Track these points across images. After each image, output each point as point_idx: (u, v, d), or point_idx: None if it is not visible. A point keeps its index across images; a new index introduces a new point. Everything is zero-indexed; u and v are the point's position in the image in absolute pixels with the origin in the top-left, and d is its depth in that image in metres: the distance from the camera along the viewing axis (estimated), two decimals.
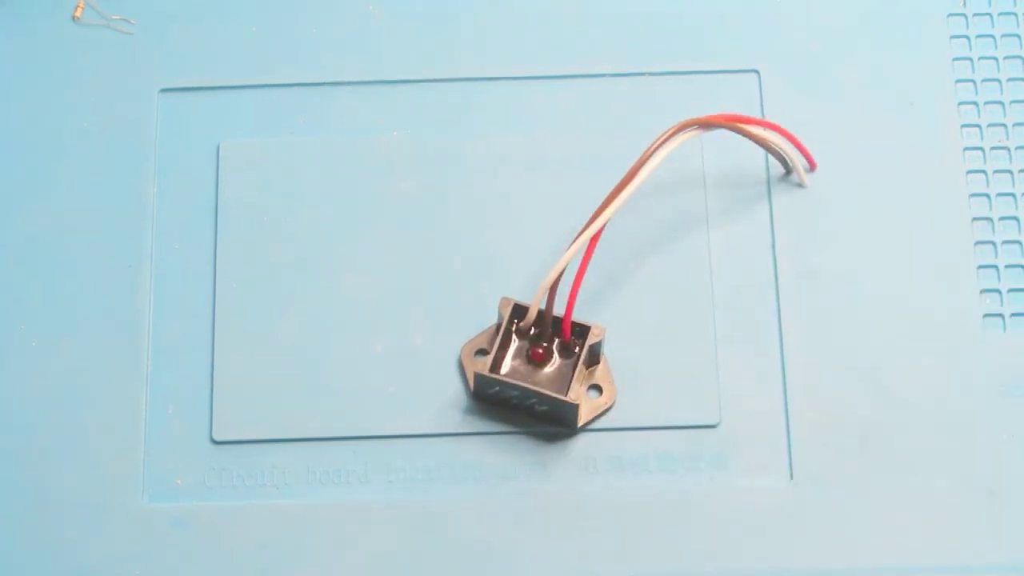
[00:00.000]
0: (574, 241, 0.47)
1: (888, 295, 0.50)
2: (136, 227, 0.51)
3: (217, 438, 0.49)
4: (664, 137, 0.48)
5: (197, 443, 0.49)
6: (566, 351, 0.49)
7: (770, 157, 0.51)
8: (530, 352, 0.49)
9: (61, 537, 0.48)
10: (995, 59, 0.53)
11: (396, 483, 0.49)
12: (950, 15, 0.54)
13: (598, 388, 0.49)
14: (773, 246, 0.51)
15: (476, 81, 0.53)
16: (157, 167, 0.52)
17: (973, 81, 0.53)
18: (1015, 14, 0.54)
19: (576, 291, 0.48)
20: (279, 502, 0.49)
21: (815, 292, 0.50)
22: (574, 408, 0.48)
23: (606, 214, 0.47)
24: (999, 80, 0.53)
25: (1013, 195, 0.52)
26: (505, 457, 0.49)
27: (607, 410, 0.49)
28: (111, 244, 0.51)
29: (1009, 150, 0.52)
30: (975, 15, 0.54)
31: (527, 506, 0.49)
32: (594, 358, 0.49)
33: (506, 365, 0.49)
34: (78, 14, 0.53)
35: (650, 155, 0.48)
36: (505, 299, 0.49)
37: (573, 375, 0.48)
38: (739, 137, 0.50)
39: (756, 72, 0.53)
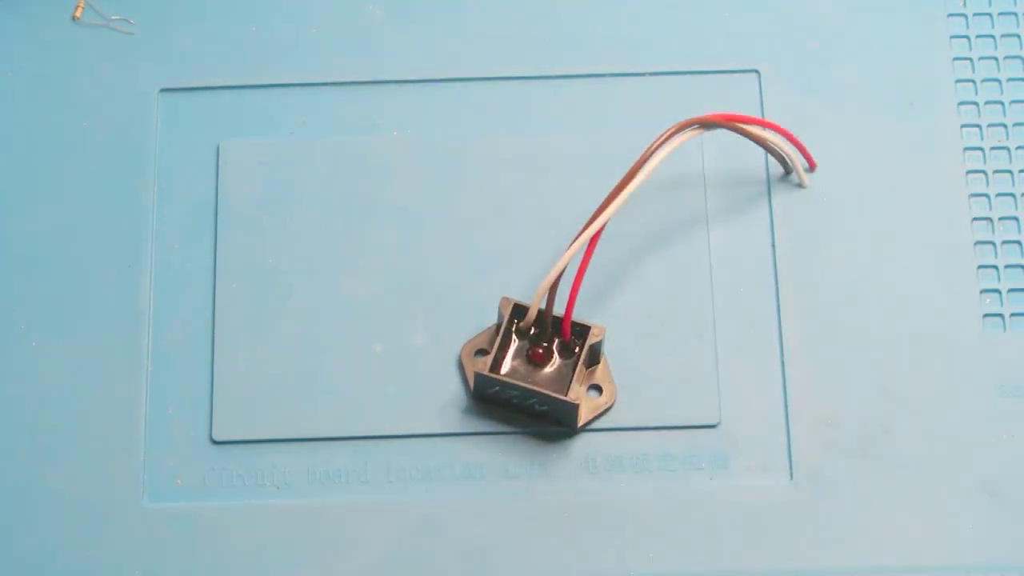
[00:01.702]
0: (574, 241, 0.47)
1: (888, 295, 0.50)
2: (136, 227, 0.51)
3: (217, 438, 0.49)
4: (664, 137, 0.48)
5: (197, 443, 0.49)
6: (566, 351, 0.49)
7: (770, 157, 0.51)
8: (530, 352, 0.49)
9: (61, 537, 0.48)
10: (995, 59, 0.53)
11: (396, 483, 0.49)
12: (950, 15, 0.54)
13: (598, 388, 0.49)
14: (773, 246, 0.51)
15: (476, 81, 0.53)
16: (157, 167, 0.52)
17: (973, 81, 0.53)
18: (1015, 14, 0.54)
19: (576, 291, 0.48)
20: (279, 502, 0.49)
21: (815, 292, 0.50)
22: (574, 408, 0.48)
23: (606, 214, 0.47)
24: (999, 80, 0.53)
25: (1013, 195, 0.52)
26: (505, 457, 0.49)
27: (607, 410, 0.49)
28: (111, 244, 0.51)
29: (1009, 150, 0.52)
30: (975, 15, 0.54)
31: (527, 506, 0.49)
32: (594, 358, 0.49)
33: (506, 365, 0.49)
34: (78, 14, 0.53)
35: (650, 155, 0.48)
36: (505, 299, 0.49)
37: (573, 375, 0.48)
38: (739, 137, 0.50)
39: (756, 72, 0.53)
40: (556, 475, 0.49)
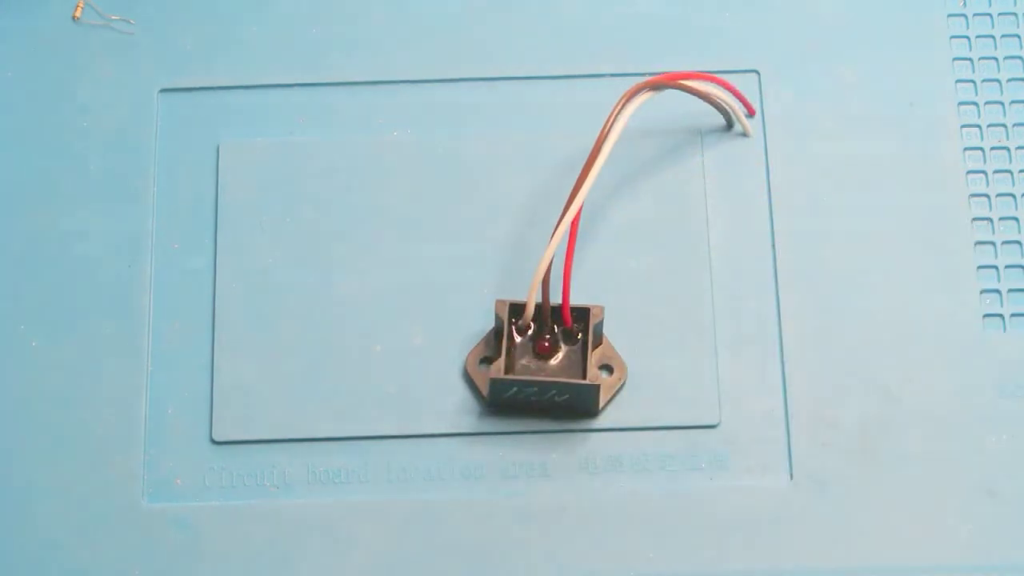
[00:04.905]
0: (555, 229, 0.47)
1: (888, 295, 0.50)
2: (136, 227, 0.51)
3: (217, 438, 0.49)
4: (617, 108, 0.48)
5: (197, 443, 0.49)
6: (568, 338, 0.49)
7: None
8: (536, 346, 0.49)
9: (61, 537, 0.48)
10: (995, 59, 0.53)
11: (396, 483, 0.49)
12: (950, 15, 0.54)
13: (607, 368, 0.49)
14: (773, 246, 0.51)
15: (476, 81, 0.53)
16: (157, 167, 0.52)
17: (973, 81, 0.53)
18: (1015, 14, 0.54)
19: (568, 277, 0.48)
20: (279, 502, 0.49)
21: (815, 292, 0.50)
22: (595, 390, 0.48)
23: (579, 197, 0.47)
24: (999, 80, 0.53)
25: (1013, 195, 0.52)
26: (505, 457, 0.49)
27: (621, 387, 0.49)
28: (111, 244, 0.51)
29: (1009, 150, 0.52)
30: (975, 15, 0.54)
31: (527, 506, 0.49)
32: (597, 339, 0.49)
33: (517, 365, 0.49)
34: (78, 14, 0.53)
35: (608, 129, 0.48)
36: (500, 301, 0.49)
37: (585, 358, 0.48)
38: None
39: (756, 72, 0.53)
40: (556, 475, 0.49)
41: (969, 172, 0.52)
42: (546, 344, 0.49)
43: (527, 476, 0.49)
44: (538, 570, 0.48)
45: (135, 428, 0.49)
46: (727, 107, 0.51)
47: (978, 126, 0.52)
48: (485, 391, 0.49)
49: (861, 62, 0.53)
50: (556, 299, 0.48)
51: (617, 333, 0.50)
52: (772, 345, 0.50)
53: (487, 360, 0.49)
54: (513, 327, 0.49)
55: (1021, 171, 0.52)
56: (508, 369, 0.48)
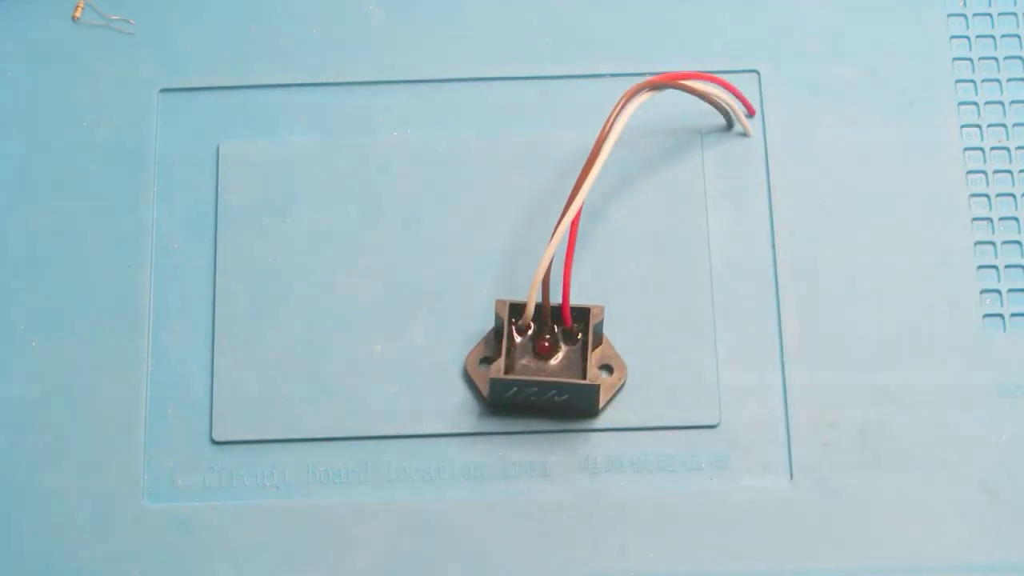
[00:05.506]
0: (556, 228, 0.47)
1: (888, 295, 0.50)
2: (136, 227, 0.51)
3: (217, 438, 0.49)
4: (618, 108, 0.48)
5: (197, 443, 0.49)
6: (568, 338, 0.49)
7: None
8: (536, 346, 0.49)
9: (61, 537, 0.48)
10: (995, 59, 0.53)
11: (396, 483, 0.49)
12: (950, 15, 0.54)
13: (607, 368, 0.49)
14: (773, 246, 0.51)
15: (476, 81, 0.53)
16: (157, 167, 0.52)
17: (973, 81, 0.53)
18: (1015, 14, 0.54)
19: (568, 277, 0.48)
20: (279, 502, 0.49)
21: (815, 292, 0.50)
22: (595, 390, 0.48)
23: (580, 196, 0.47)
24: (999, 80, 0.53)
25: (1013, 195, 0.52)
26: (505, 457, 0.49)
27: (621, 387, 0.49)
28: (111, 244, 0.51)
29: (1009, 150, 0.52)
30: (975, 15, 0.54)
31: (527, 506, 0.49)
32: (597, 339, 0.49)
33: (517, 365, 0.49)
34: (78, 14, 0.53)
35: (608, 129, 0.48)
36: (500, 301, 0.49)
37: (585, 358, 0.48)
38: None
39: (756, 72, 0.53)
40: (556, 475, 0.49)
41: (969, 172, 0.52)
42: (546, 344, 0.49)
43: (527, 476, 0.49)
44: (538, 570, 0.48)
45: (135, 428, 0.49)
46: (727, 107, 0.51)
47: (978, 126, 0.52)
48: (485, 391, 0.49)
49: (861, 62, 0.53)
50: (556, 299, 0.48)
51: (617, 333, 0.50)
52: (772, 345, 0.50)
53: (487, 360, 0.49)
54: (513, 327, 0.49)
55: (1021, 171, 0.52)
56: (508, 369, 0.48)
